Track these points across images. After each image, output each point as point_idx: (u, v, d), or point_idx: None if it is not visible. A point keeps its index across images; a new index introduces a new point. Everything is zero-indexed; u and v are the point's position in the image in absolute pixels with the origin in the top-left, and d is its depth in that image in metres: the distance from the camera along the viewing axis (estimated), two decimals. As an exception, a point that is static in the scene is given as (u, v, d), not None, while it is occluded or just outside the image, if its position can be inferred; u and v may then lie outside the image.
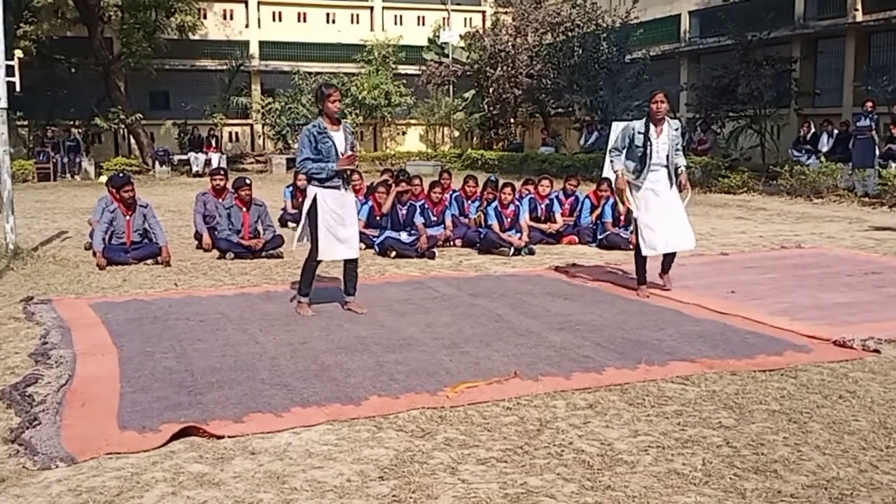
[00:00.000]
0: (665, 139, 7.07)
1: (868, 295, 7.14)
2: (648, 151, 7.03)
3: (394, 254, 9.37)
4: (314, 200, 6.38)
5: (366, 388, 4.60)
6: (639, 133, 7.10)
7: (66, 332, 5.90)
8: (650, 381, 4.74)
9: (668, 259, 7.37)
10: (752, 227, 12.01)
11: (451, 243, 10.18)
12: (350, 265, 6.67)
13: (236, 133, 28.22)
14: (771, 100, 19.63)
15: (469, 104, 28.13)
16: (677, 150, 7.22)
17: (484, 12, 30.41)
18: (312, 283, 6.57)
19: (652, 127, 7.07)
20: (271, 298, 7.11)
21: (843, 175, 15.84)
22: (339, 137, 6.39)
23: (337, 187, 6.40)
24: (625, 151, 7.21)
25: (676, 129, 7.23)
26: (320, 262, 6.51)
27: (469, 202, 10.98)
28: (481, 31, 27.32)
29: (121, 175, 9.76)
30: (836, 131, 18.38)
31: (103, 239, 8.87)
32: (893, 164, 15.68)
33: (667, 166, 7.09)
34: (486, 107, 26.94)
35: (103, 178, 19.82)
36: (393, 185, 10.33)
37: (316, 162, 6.32)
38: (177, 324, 6.14)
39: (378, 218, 10.00)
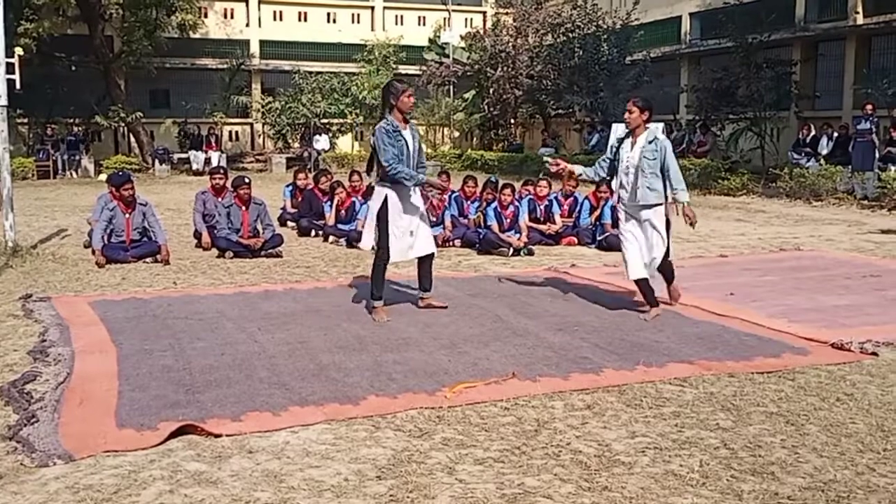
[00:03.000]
0: (636, 153, 6.27)
1: (866, 298, 7.14)
2: (616, 165, 6.44)
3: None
4: (385, 201, 6.29)
5: (364, 388, 4.60)
6: (617, 140, 6.56)
7: (64, 329, 5.90)
8: (648, 383, 4.75)
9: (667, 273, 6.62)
10: (751, 230, 12.02)
11: (451, 243, 10.18)
12: (426, 261, 6.62)
13: (236, 132, 28.23)
14: (771, 102, 19.63)
15: (469, 105, 28.14)
16: (652, 171, 6.18)
17: (485, 13, 30.44)
18: (383, 284, 6.43)
19: (630, 137, 6.41)
20: (270, 297, 7.11)
21: (842, 178, 15.84)
22: (408, 136, 6.40)
23: (407, 187, 6.34)
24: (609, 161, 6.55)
25: (652, 142, 6.24)
26: (388, 262, 6.39)
27: (468, 203, 10.97)
28: (482, 32, 27.33)
29: (120, 173, 9.76)
30: (835, 134, 18.39)
31: (102, 237, 8.87)
32: (893, 168, 15.67)
33: (635, 186, 6.27)
34: (486, 107, 26.94)
35: (103, 176, 19.81)
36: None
37: (404, 166, 6.25)
38: (175, 322, 6.14)
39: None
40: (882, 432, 3.98)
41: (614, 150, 6.51)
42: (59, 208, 14.75)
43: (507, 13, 27.03)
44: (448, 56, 27.49)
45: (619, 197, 6.50)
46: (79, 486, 3.38)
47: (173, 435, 3.89)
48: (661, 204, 6.27)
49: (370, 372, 4.90)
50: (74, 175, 22.58)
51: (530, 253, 9.66)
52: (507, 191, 10.11)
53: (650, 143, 6.27)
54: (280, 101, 26.41)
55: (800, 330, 5.91)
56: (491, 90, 26.14)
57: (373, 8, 29.73)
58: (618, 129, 14.18)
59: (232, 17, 27.93)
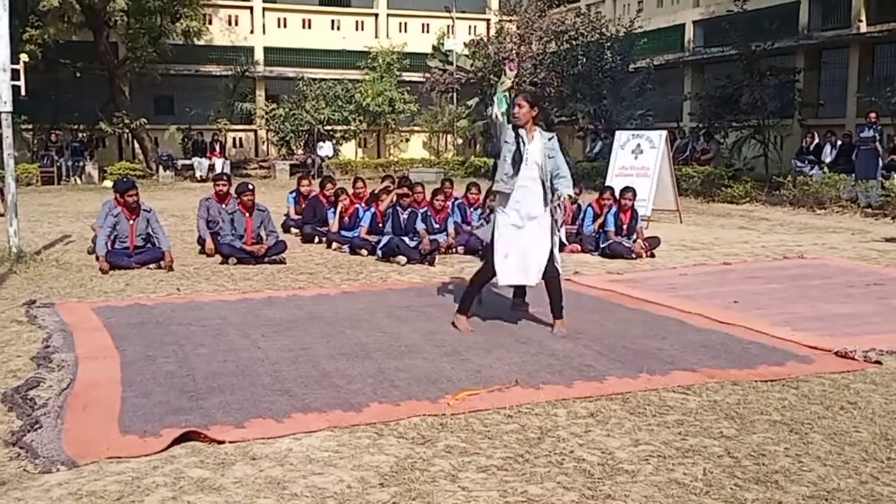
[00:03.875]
0: (537, 150, 5.98)
1: (870, 306, 7.13)
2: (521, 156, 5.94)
3: (403, 259, 9.33)
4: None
5: (367, 395, 4.60)
6: (513, 136, 6.00)
7: (68, 335, 5.91)
8: (651, 391, 4.74)
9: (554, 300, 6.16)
10: (754, 237, 12.01)
11: (454, 250, 10.19)
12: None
13: (240, 138, 28.27)
14: (774, 110, 19.65)
15: (472, 112, 28.16)
16: (555, 169, 6.03)
17: (488, 20, 30.46)
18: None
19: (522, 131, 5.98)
20: (273, 304, 7.11)
21: (846, 186, 15.84)
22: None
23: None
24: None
25: (551, 140, 6.09)
26: None
27: (471, 209, 10.99)
28: (485, 39, 27.38)
29: (125, 179, 9.78)
30: (839, 142, 18.39)
31: (106, 243, 8.89)
32: (896, 176, 15.69)
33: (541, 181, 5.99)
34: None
35: (107, 183, 19.87)
36: (394, 189, 10.38)
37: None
38: (179, 328, 6.15)
39: (380, 224, 10.02)
40: (886, 441, 3.97)
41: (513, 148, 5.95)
42: (63, 214, 14.77)
43: (510, 21, 27.05)
44: (451, 63, 27.53)
45: (504, 194, 6.01)
46: (82, 492, 3.38)
47: (176, 441, 3.88)
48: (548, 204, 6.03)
49: (373, 379, 4.90)
50: (78, 181, 22.61)
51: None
52: (511, 198, 10.09)
53: (549, 140, 6.05)
54: (284, 108, 26.46)
55: (803, 338, 5.90)
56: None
57: (377, 15, 29.77)
58: (620, 137, 14.27)
59: (236, 24, 27.98)
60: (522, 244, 6.00)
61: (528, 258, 6.03)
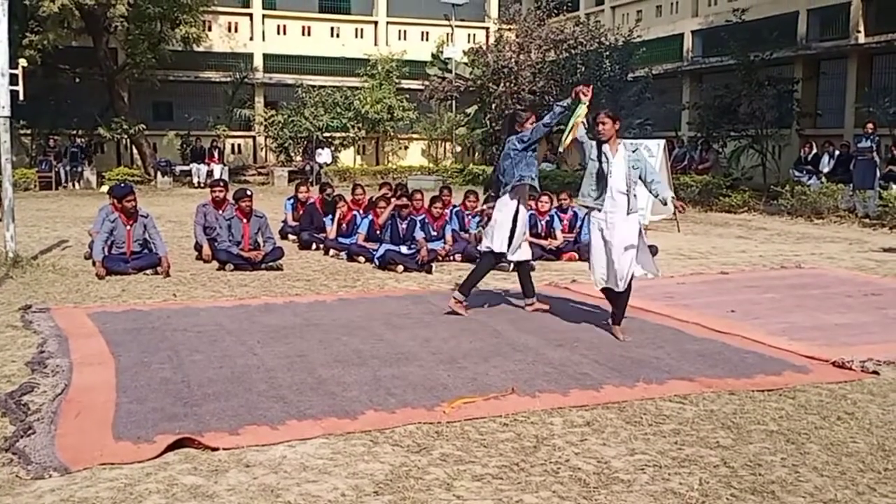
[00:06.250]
0: (621, 161, 6.21)
1: (867, 316, 7.12)
2: (604, 171, 6.18)
3: (401, 268, 9.32)
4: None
5: (362, 402, 4.58)
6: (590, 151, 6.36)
7: (63, 341, 5.89)
8: (648, 400, 4.73)
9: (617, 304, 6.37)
10: (752, 247, 12.01)
11: (451, 258, 10.18)
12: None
13: (239, 145, 28.25)
14: (773, 120, 19.68)
15: (471, 120, 28.18)
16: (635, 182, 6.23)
17: (487, 28, 30.51)
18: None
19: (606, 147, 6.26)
20: (270, 310, 7.10)
21: (843, 196, 15.86)
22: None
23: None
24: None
25: (635, 151, 6.34)
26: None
27: (470, 217, 10.98)
28: (485, 48, 27.41)
29: (123, 185, 9.77)
30: (837, 152, 18.42)
31: (103, 248, 8.87)
32: (894, 186, 15.70)
33: (626, 193, 6.20)
34: (488, 122, 26.97)
35: (105, 188, 19.84)
36: (393, 199, 10.36)
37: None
38: (174, 334, 6.13)
39: (377, 232, 10.00)
40: (883, 452, 3.96)
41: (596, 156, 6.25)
42: (60, 219, 14.75)
43: (509, 29, 27.10)
44: (451, 71, 27.57)
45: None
46: (74, 498, 3.36)
47: (170, 448, 3.87)
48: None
49: (369, 386, 4.88)
50: (77, 186, 22.59)
51: (531, 269, 9.62)
52: (509, 206, 10.09)
53: (634, 152, 6.32)
54: (283, 115, 26.48)
55: (801, 348, 5.89)
56: (493, 105, 26.18)
57: (376, 23, 29.81)
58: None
59: (236, 30, 28.00)
60: (607, 252, 6.24)
61: (612, 266, 6.23)
